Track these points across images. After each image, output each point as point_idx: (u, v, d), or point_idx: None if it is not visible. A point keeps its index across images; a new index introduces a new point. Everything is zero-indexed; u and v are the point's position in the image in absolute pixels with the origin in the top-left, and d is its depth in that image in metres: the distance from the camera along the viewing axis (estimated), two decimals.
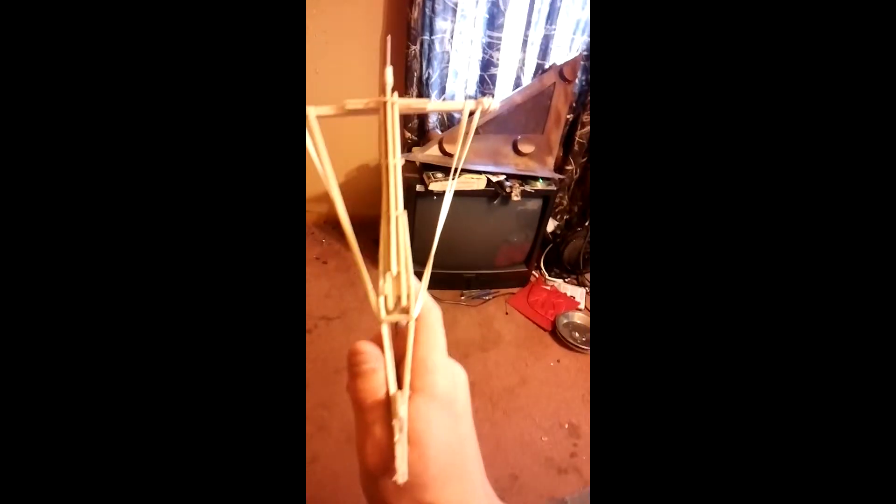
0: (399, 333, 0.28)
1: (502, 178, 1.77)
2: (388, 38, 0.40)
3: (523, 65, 1.96)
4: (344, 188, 0.28)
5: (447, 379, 0.26)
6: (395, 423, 0.23)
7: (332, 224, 2.37)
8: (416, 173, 1.75)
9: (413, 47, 1.82)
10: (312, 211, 2.35)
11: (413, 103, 0.33)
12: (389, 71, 0.31)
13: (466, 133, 0.32)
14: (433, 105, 0.34)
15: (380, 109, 0.30)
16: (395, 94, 0.31)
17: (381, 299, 0.27)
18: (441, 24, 1.79)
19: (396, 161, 0.29)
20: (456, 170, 0.33)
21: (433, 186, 1.70)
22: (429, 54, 1.84)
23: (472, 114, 0.33)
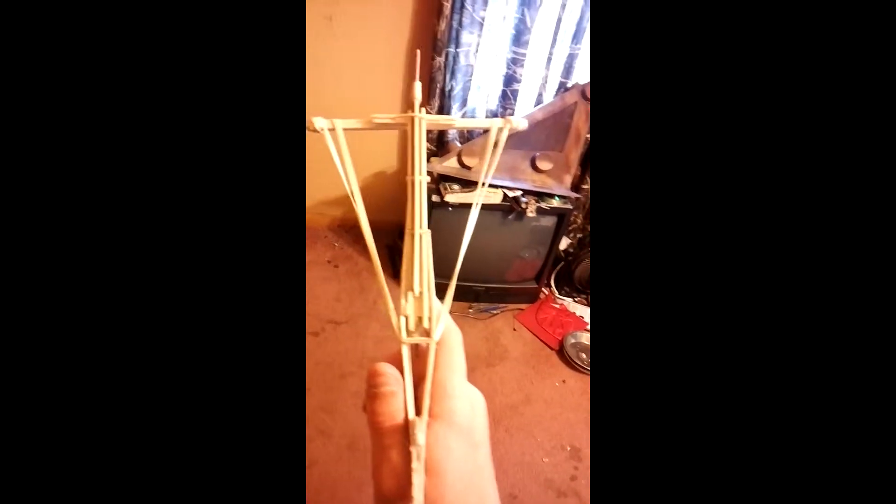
0: (419, 354, 0.28)
1: (518, 193, 1.77)
2: (418, 52, 0.40)
3: (546, 82, 1.96)
4: (361, 193, 0.28)
5: (467, 406, 0.26)
6: (413, 450, 0.23)
7: (346, 228, 2.38)
8: (434, 184, 1.76)
9: (438, 59, 1.84)
10: (326, 214, 2.36)
11: (441, 119, 0.33)
12: (418, 86, 0.31)
13: (493, 153, 0.31)
14: (461, 122, 0.34)
15: (407, 125, 0.30)
16: (423, 109, 0.31)
17: (402, 320, 0.27)
18: (467, 37, 1.80)
19: (422, 178, 0.29)
20: (483, 185, 0.32)
21: (449, 198, 1.70)
22: (453, 67, 1.85)
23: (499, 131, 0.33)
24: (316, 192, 2.24)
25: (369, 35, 1.91)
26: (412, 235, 0.28)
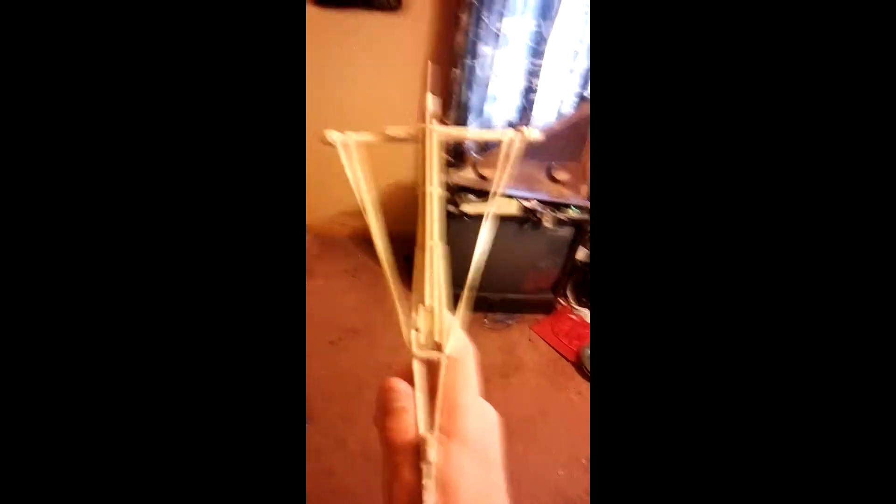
0: (431, 369, 0.28)
1: (535, 203, 1.76)
2: (430, 64, 0.41)
3: (564, 93, 1.96)
4: (379, 204, 0.28)
5: (480, 423, 0.25)
6: (425, 467, 0.23)
7: (366, 238, 2.40)
8: (450, 194, 1.77)
9: (455, 70, 1.85)
10: (347, 225, 2.39)
11: (453, 131, 0.33)
12: (430, 98, 0.32)
13: (507, 163, 0.32)
14: (473, 134, 0.34)
15: (420, 137, 0.31)
16: (436, 121, 0.31)
17: (414, 334, 0.26)
18: (485, 49, 1.82)
19: (433, 188, 0.29)
20: (494, 195, 0.32)
21: (465, 208, 1.70)
22: (470, 78, 1.87)
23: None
24: (337, 202, 2.27)
25: (388, 47, 1.94)
26: (424, 248, 0.28)
